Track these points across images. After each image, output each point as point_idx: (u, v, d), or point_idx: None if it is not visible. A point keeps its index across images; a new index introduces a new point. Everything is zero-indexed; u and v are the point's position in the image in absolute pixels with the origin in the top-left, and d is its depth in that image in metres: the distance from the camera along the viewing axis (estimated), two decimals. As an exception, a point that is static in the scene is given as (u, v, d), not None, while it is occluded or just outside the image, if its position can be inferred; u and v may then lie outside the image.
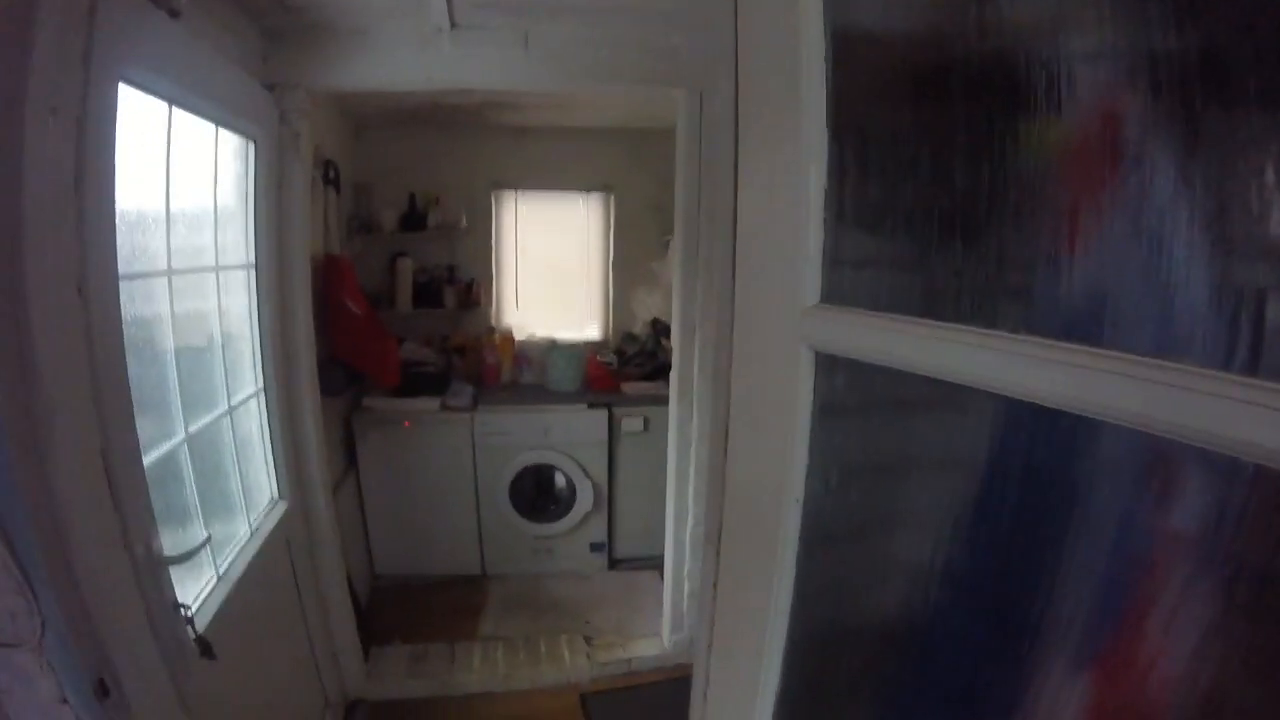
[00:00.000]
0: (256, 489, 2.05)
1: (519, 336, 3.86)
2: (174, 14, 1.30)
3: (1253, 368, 0.37)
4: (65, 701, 0.91)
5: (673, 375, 2.68)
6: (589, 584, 3.44)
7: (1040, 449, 0.53)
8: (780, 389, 0.87)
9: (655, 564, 3.17)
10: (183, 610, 1.31)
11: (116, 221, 1.18)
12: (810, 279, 0.79)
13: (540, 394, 3.53)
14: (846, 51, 0.76)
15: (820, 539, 0.88)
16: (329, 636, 2.40)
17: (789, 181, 0.83)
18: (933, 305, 0.61)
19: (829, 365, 0.80)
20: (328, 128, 2.97)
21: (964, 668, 0.70)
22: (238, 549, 1.79)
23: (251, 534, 1.88)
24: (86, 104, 1.04)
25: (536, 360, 3.73)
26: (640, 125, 3.64)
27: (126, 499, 1.15)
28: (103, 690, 0.98)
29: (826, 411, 0.83)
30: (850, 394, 0.82)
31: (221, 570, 1.65)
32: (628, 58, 2.26)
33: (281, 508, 2.12)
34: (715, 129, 2.26)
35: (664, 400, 2.79)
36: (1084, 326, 0.45)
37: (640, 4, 2.09)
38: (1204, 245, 0.40)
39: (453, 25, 2.11)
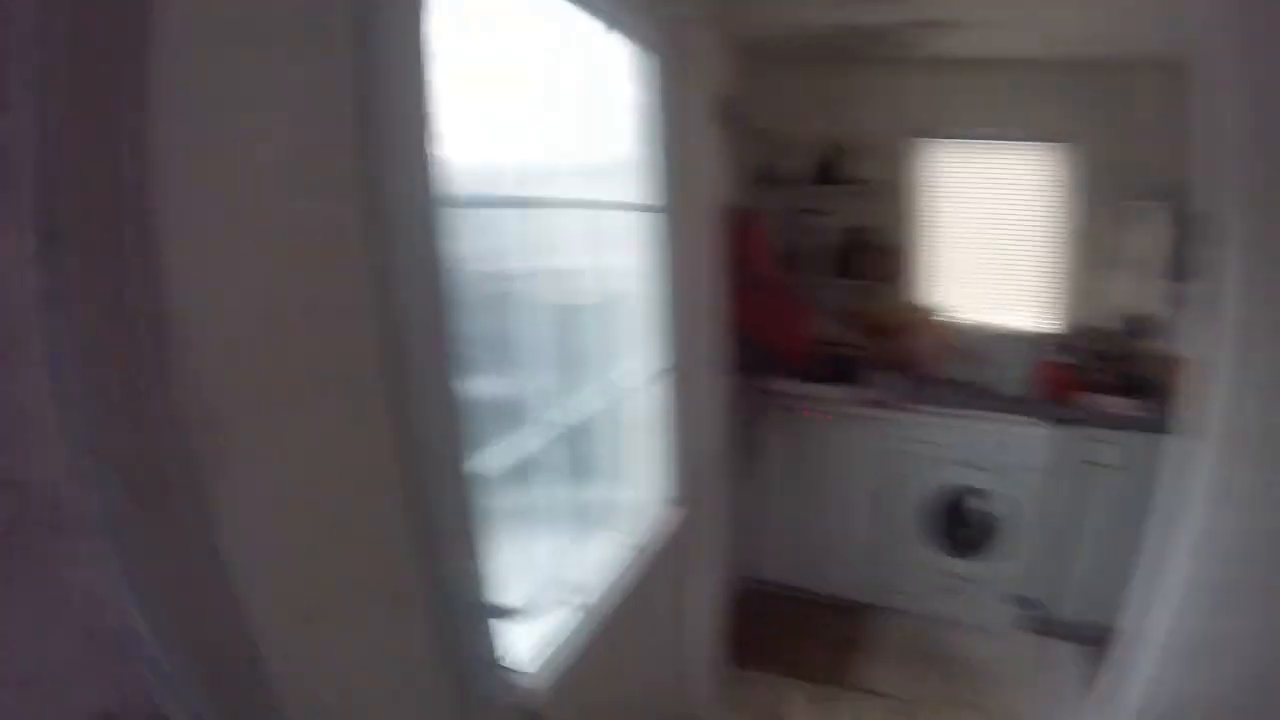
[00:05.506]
0: (634, 489, 1.74)
1: (946, 319, 3.09)
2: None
3: None
4: None
5: (1182, 401, 1.66)
6: (999, 645, 2.73)
7: None
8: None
9: (1094, 638, 2.30)
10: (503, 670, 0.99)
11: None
12: None
13: (975, 396, 2.82)
14: None
15: None
16: (680, 654, 2.06)
17: None
18: None
19: None
20: (723, 63, 2.54)
21: None
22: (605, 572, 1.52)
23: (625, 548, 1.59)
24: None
25: (970, 352, 2.96)
26: (1112, 54, 2.49)
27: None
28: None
29: None
30: None
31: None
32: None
33: (666, 514, 1.79)
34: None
35: (1147, 426, 2.07)
36: None
37: None
38: None
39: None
